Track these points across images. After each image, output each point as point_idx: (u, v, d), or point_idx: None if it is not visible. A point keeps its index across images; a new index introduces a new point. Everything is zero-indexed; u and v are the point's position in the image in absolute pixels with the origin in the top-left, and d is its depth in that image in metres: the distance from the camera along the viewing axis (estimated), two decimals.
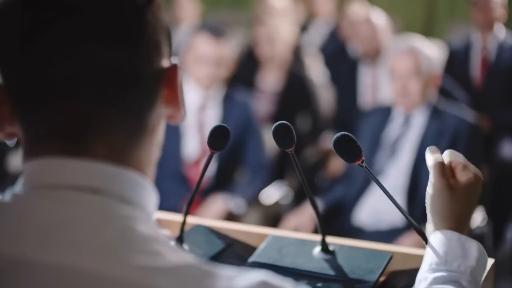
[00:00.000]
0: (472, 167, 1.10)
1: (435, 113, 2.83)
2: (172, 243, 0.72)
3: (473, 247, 1.05)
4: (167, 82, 0.77)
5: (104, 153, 0.73)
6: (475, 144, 2.81)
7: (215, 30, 3.07)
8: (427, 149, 1.12)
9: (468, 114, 2.91)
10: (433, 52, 2.90)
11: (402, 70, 2.81)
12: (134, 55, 0.73)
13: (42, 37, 0.70)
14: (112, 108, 0.72)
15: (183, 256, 0.69)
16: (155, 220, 0.77)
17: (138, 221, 0.71)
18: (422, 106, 2.84)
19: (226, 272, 0.69)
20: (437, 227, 1.07)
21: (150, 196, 0.76)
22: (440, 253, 1.04)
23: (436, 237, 1.06)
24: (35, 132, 0.74)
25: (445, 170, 1.09)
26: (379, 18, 4.04)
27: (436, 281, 1.02)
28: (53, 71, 0.71)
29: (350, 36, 4.58)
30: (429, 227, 1.09)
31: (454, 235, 1.05)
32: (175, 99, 0.78)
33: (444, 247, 1.04)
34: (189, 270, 0.68)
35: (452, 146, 2.74)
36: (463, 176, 1.09)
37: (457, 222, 1.07)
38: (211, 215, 2.86)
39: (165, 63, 0.77)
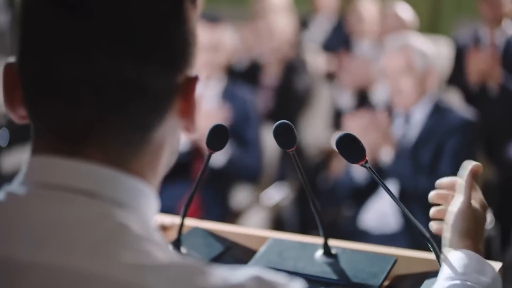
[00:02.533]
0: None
1: (435, 110, 2.78)
2: (167, 245, 0.71)
3: (491, 268, 1.09)
4: (183, 95, 0.76)
5: (100, 157, 0.72)
6: (473, 142, 2.77)
7: (209, 17, 3.05)
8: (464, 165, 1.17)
9: (468, 112, 2.86)
10: (428, 47, 2.87)
11: (393, 69, 2.79)
12: (142, 69, 0.71)
13: (51, 33, 0.70)
14: (112, 117, 0.72)
15: (173, 256, 0.70)
16: (151, 224, 0.76)
17: (129, 222, 0.70)
18: (421, 103, 2.80)
19: (218, 270, 0.69)
20: (456, 246, 1.11)
21: (148, 201, 0.75)
22: (458, 267, 1.07)
23: (455, 254, 1.10)
24: (38, 126, 0.74)
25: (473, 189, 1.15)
26: (406, 12, 4.10)
27: (452, 286, 1.05)
28: (55, 71, 0.71)
29: (358, 31, 4.58)
30: (447, 248, 1.13)
31: (475, 255, 1.09)
32: (191, 112, 0.77)
33: (463, 261, 1.08)
34: (179, 268, 0.68)
35: (450, 144, 2.69)
36: (476, 196, 1.15)
37: (473, 241, 1.11)
38: None
39: (188, 73, 0.76)
